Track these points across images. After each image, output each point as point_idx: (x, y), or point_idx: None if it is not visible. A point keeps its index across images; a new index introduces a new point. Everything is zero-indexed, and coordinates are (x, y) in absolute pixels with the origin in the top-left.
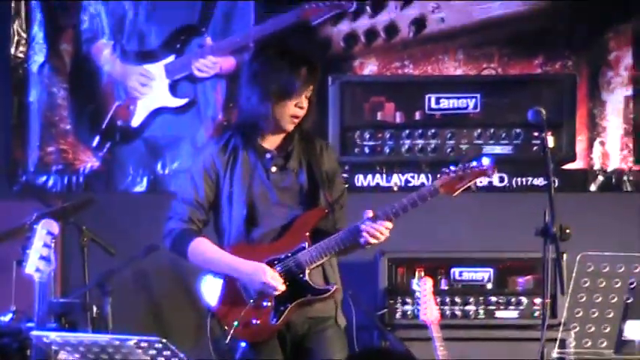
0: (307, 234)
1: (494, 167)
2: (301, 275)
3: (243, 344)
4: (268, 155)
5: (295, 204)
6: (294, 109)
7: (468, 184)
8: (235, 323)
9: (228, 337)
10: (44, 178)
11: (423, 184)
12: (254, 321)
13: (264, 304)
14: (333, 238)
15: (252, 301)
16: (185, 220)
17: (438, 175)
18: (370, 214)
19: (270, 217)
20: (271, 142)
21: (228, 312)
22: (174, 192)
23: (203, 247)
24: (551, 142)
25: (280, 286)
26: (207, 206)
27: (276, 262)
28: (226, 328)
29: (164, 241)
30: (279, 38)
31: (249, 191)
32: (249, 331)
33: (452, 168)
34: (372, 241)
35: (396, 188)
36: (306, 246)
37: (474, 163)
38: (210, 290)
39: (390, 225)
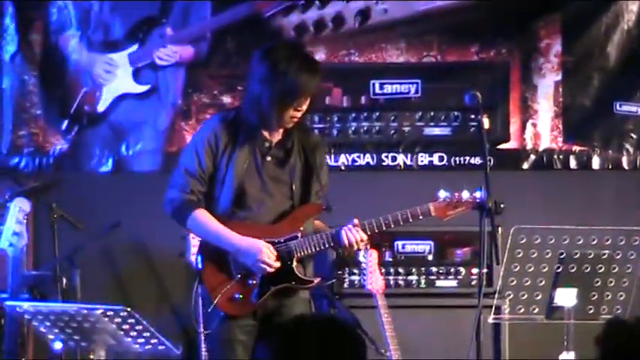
0: (302, 225)
1: (487, 200)
2: (289, 263)
3: (221, 314)
4: (267, 144)
5: (284, 197)
6: (294, 112)
7: (459, 212)
8: (219, 296)
9: (211, 307)
10: (16, 159)
11: (368, 164)
12: (237, 295)
13: (250, 281)
14: (323, 234)
15: (239, 276)
16: (187, 191)
17: (434, 200)
18: (355, 222)
19: (257, 203)
20: (273, 134)
21: (215, 283)
22: (178, 163)
23: (202, 218)
24: (486, 123)
25: (274, 264)
26: (207, 178)
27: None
28: (211, 297)
29: (165, 208)
30: (235, 29)
31: (242, 175)
32: (231, 304)
33: (447, 195)
34: (347, 244)
35: (343, 168)
36: (299, 236)
37: (467, 195)
38: (202, 259)
39: (364, 237)
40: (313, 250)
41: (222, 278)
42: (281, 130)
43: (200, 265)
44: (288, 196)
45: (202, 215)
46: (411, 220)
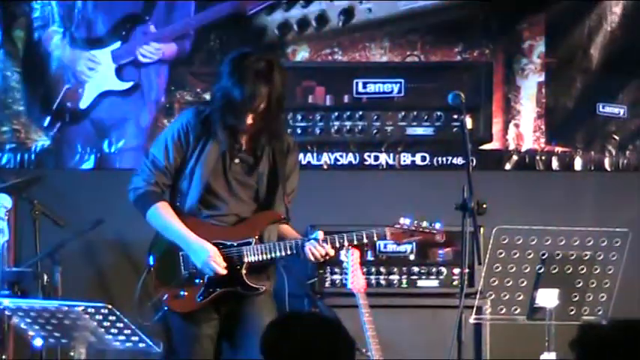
0: (258, 232)
1: (443, 232)
2: (238, 267)
3: (165, 307)
4: (237, 146)
5: (250, 199)
6: (247, 117)
7: (416, 239)
8: (165, 296)
9: (152, 301)
10: None
11: (350, 163)
12: (182, 293)
13: (197, 280)
14: (279, 243)
15: (186, 274)
16: (151, 182)
17: (392, 225)
18: (320, 235)
19: (223, 204)
20: (242, 136)
21: (163, 277)
22: (149, 151)
23: (162, 212)
24: (469, 124)
25: (221, 271)
26: (173, 172)
27: (220, 247)
28: (156, 292)
29: (128, 194)
30: (218, 27)
31: (211, 175)
32: (176, 301)
33: (406, 222)
34: (312, 259)
35: (325, 166)
36: (253, 242)
37: (426, 224)
38: (154, 255)
39: (332, 252)
40: (265, 257)
41: (170, 275)
42: (250, 134)
43: (152, 261)
44: (254, 198)
45: (163, 209)
46: (365, 241)
